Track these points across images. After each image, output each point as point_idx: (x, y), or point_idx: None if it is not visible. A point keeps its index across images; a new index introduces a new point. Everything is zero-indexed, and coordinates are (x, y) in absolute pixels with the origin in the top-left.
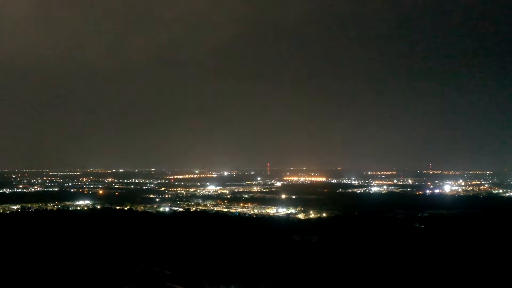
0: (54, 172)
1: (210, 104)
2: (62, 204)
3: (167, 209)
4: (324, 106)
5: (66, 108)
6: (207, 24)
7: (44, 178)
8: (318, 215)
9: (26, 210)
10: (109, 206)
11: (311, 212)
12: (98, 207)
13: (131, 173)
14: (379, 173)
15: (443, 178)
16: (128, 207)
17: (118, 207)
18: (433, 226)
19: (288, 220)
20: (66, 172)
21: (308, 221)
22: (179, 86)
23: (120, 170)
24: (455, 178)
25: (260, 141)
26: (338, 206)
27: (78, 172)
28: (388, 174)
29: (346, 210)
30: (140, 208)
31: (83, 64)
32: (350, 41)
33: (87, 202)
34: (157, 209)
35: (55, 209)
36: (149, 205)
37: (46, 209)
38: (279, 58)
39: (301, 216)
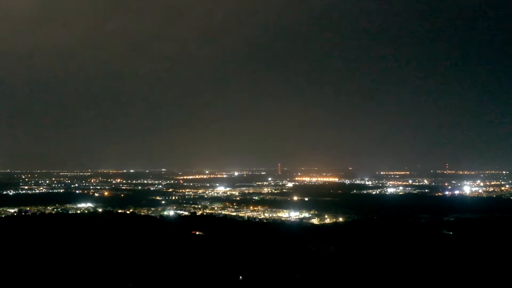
0: (64, 172)
1: (220, 105)
2: (63, 207)
3: (171, 212)
4: (334, 105)
5: (78, 108)
6: (221, 25)
7: (53, 179)
8: (334, 219)
9: (23, 214)
10: (111, 210)
11: (326, 216)
12: (99, 210)
13: (141, 173)
14: (392, 173)
15: (459, 178)
16: (130, 210)
17: (120, 211)
18: (463, 233)
19: (301, 226)
20: (77, 172)
21: (323, 226)
22: (190, 87)
23: (131, 171)
24: (471, 178)
25: (270, 142)
26: (355, 209)
27: (88, 172)
28: (401, 174)
29: (364, 214)
30: (143, 211)
31: (98, 65)
32: (361, 39)
33: (89, 204)
34: (161, 213)
35: (53, 212)
36: (153, 208)
37: (44, 212)
38: (288, 58)
39: (315, 220)
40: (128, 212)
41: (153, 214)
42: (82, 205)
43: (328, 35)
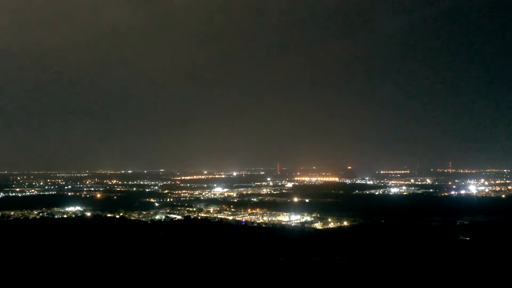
0: (61, 174)
1: (219, 105)
2: (49, 211)
3: (163, 216)
4: (332, 105)
5: (76, 109)
6: (221, 25)
7: (48, 180)
8: (338, 223)
9: (5, 218)
10: (100, 214)
11: (329, 219)
12: (88, 214)
13: (139, 174)
14: (392, 172)
15: (462, 177)
16: (120, 214)
17: (109, 215)
18: (481, 238)
19: (303, 231)
20: (74, 173)
21: (327, 232)
22: (189, 87)
23: (129, 171)
24: (474, 177)
25: (269, 141)
26: (359, 212)
27: (85, 173)
28: (402, 173)
29: (369, 217)
30: (134, 215)
31: (97, 65)
32: (360, 38)
33: (77, 208)
34: (153, 217)
35: (38, 217)
36: (144, 212)
37: (28, 217)
38: (288, 58)
39: (318, 225)
40: (117, 216)
41: (143, 219)
42: (71, 208)
43: (328, 35)
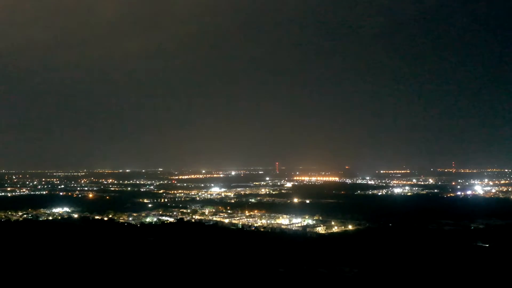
0: (59, 173)
1: (218, 105)
2: (35, 212)
3: (155, 219)
4: (330, 105)
5: (75, 109)
6: (222, 27)
7: (43, 179)
8: (343, 227)
9: None
10: (88, 215)
11: (332, 222)
12: (75, 216)
13: (137, 173)
14: (392, 171)
15: (464, 177)
16: (109, 216)
17: (97, 217)
18: (501, 245)
19: (305, 236)
20: (71, 172)
21: (331, 237)
22: (190, 88)
23: (127, 170)
24: (476, 177)
25: (268, 141)
26: (364, 214)
27: (83, 172)
28: (402, 172)
29: (375, 219)
30: (124, 217)
31: (98, 66)
32: (359, 40)
33: (65, 209)
34: (144, 219)
35: (21, 219)
36: (135, 214)
37: (10, 219)
38: (286, 59)
39: (321, 229)
40: (106, 218)
41: (133, 222)
42: (58, 209)
43: (327, 37)
